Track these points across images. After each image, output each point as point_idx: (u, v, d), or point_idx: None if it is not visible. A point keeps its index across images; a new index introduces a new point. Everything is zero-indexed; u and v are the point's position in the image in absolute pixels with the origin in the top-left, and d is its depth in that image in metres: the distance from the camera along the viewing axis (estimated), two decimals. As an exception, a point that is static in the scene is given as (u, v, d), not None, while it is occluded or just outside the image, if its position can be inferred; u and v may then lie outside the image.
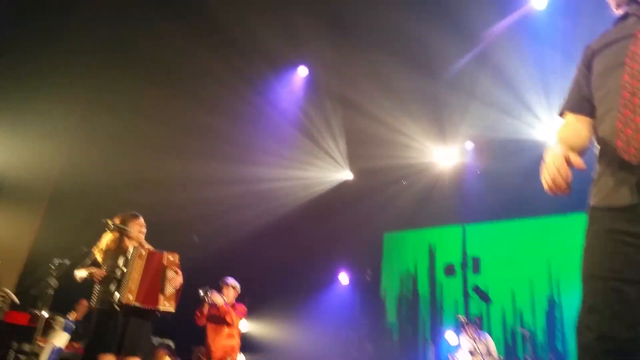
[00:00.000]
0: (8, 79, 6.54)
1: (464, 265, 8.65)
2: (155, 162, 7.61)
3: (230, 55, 6.71)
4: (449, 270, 8.89)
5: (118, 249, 3.90)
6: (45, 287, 4.12)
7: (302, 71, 7.71)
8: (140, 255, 3.86)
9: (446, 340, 7.34)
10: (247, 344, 6.17)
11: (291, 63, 7.36)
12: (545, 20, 6.00)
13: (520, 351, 7.45)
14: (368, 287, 9.80)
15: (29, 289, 4.84)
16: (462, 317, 7.06)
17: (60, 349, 5.98)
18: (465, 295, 8.50)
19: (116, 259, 3.83)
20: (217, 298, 5.38)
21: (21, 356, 5.89)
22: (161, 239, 4.32)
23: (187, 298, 4.27)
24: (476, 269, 8.47)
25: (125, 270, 3.76)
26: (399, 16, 5.45)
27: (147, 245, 4.04)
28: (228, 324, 5.39)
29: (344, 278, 10.03)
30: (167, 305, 3.85)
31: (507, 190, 7.42)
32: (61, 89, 7.03)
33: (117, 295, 3.67)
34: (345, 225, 9.03)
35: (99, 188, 7.40)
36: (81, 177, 7.39)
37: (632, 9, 1.56)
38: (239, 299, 5.74)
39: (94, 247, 3.98)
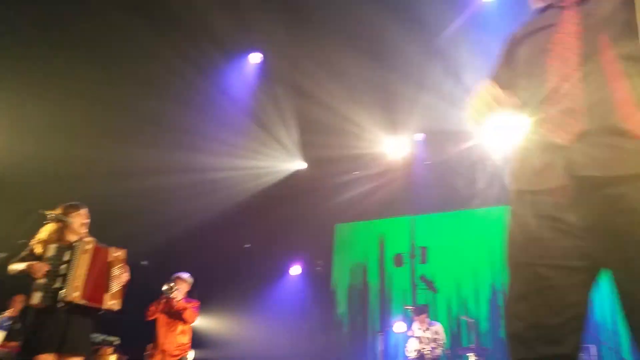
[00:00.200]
0: None
1: (412, 255, 8.92)
2: (98, 149, 7.34)
3: (179, 38, 6.55)
4: (398, 261, 9.15)
5: (59, 242, 3.76)
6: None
7: (255, 57, 7.62)
8: (85, 250, 3.75)
9: (394, 331, 7.58)
10: (197, 338, 6.12)
11: (243, 49, 7.26)
12: (494, 11, 6.23)
13: (465, 339, 7.79)
14: (319, 278, 9.94)
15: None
16: (410, 307, 7.30)
17: (-8, 348, 5.70)
18: (413, 285, 8.78)
19: (58, 252, 3.70)
20: (178, 293, 5.32)
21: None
22: (105, 231, 4.19)
23: (134, 293, 4.19)
24: (424, 259, 8.76)
25: (70, 265, 3.64)
26: (353, 6, 5.51)
27: (90, 238, 3.91)
28: (184, 321, 5.34)
29: (295, 269, 10.10)
30: (112, 303, 3.78)
31: (454, 181, 7.69)
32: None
33: (62, 292, 3.54)
34: (297, 216, 9.08)
35: (38, 177, 7.05)
36: (18, 166, 7.00)
37: (551, 0, 1.61)
38: (189, 292, 5.68)
39: (32, 239, 3.81)
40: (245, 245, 9.46)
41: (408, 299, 8.75)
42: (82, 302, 3.61)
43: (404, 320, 7.46)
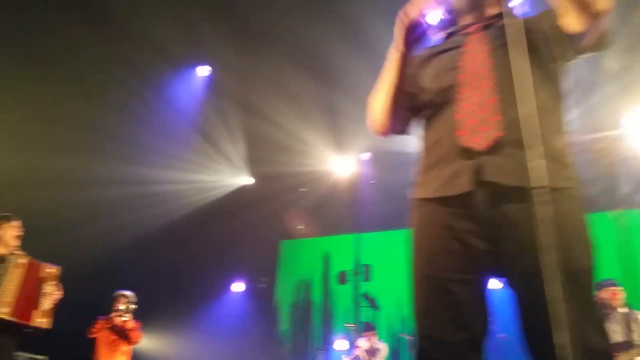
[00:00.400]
0: None
1: (355, 273, 9.07)
2: (34, 159, 7.03)
3: (124, 49, 6.45)
4: (342, 278, 9.27)
5: (-13, 255, 3.60)
6: None
7: (202, 71, 7.59)
8: (18, 265, 3.61)
9: (334, 349, 7.65)
10: (134, 358, 5.97)
11: (191, 62, 7.24)
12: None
13: (406, 357, 7.97)
14: (262, 295, 9.88)
15: None
16: (351, 325, 7.42)
17: None
18: (356, 302, 8.91)
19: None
20: (129, 314, 5.22)
21: None
22: (38, 244, 4.04)
23: (66, 310, 4.06)
24: (367, 276, 8.92)
25: (0, 279, 3.48)
26: (301, 24, 5.66)
27: (21, 253, 3.77)
28: (129, 341, 5.23)
29: (238, 286, 9.99)
30: (41, 321, 3.65)
31: (398, 200, 7.91)
32: None
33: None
34: (242, 232, 9.03)
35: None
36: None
37: (456, 28, 1.71)
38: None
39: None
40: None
41: (350, 316, 8.86)
42: (12, 318, 3.46)
43: (345, 338, 7.55)
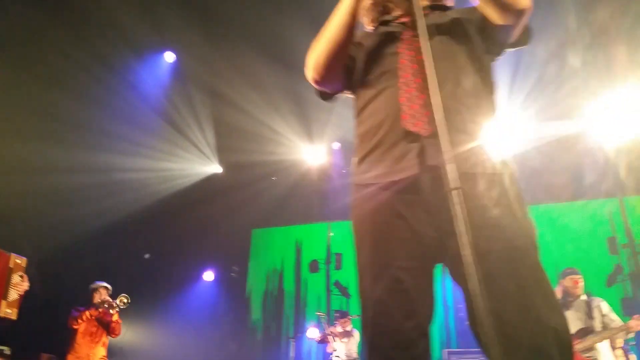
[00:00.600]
0: None
1: (327, 261, 9.14)
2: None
3: (87, 33, 6.29)
4: (314, 267, 9.34)
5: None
6: None
7: (169, 57, 7.45)
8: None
9: (307, 337, 7.72)
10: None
11: (156, 47, 7.09)
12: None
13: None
14: (234, 284, 9.90)
15: None
16: (322, 313, 7.49)
17: None
18: (328, 291, 8.99)
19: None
20: (114, 305, 5.26)
21: None
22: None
23: (33, 302, 4.06)
24: (338, 265, 9.00)
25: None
26: (269, 14, 5.61)
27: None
28: (110, 333, 5.35)
29: (209, 275, 9.97)
30: (8, 312, 3.64)
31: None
32: None
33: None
34: (213, 221, 8.99)
35: None
36: None
37: (391, 17, 1.72)
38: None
39: None
40: (145, 256, 9.19)
41: (323, 305, 8.95)
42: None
43: (317, 327, 7.62)
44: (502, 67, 5.91)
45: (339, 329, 7.01)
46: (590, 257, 7.25)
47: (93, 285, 5.55)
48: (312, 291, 9.38)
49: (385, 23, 1.73)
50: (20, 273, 3.83)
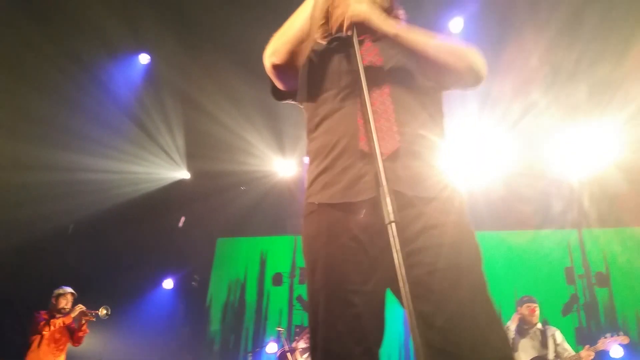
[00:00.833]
0: None
1: (291, 275, 9.13)
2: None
3: (59, 30, 6.18)
4: (277, 280, 9.31)
5: None
6: None
7: (143, 59, 7.38)
8: None
9: (266, 351, 7.66)
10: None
11: (131, 48, 7.01)
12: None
13: None
14: (194, 294, 9.75)
15: None
16: (281, 329, 7.46)
17: None
18: (290, 305, 8.97)
19: None
20: (93, 316, 5.20)
21: None
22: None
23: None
24: (302, 279, 8.99)
25: None
26: (247, 26, 5.63)
27: None
28: (76, 343, 5.36)
29: (168, 283, 9.80)
30: None
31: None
32: None
33: None
34: (176, 227, 8.85)
35: None
36: None
37: (345, 35, 1.67)
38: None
39: None
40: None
41: (284, 319, 8.91)
42: None
43: (276, 342, 7.58)
44: (469, 99, 6.09)
45: (302, 344, 6.98)
46: (547, 285, 7.47)
47: (59, 290, 5.45)
48: (274, 304, 9.33)
49: (338, 39, 1.72)
50: None
